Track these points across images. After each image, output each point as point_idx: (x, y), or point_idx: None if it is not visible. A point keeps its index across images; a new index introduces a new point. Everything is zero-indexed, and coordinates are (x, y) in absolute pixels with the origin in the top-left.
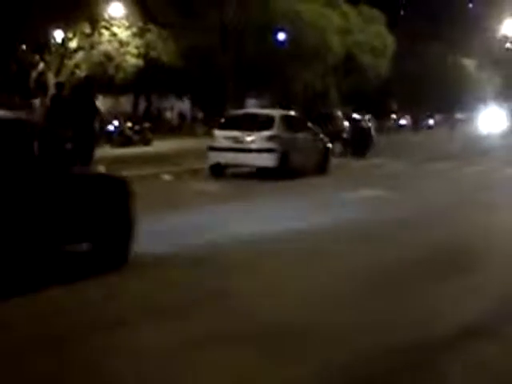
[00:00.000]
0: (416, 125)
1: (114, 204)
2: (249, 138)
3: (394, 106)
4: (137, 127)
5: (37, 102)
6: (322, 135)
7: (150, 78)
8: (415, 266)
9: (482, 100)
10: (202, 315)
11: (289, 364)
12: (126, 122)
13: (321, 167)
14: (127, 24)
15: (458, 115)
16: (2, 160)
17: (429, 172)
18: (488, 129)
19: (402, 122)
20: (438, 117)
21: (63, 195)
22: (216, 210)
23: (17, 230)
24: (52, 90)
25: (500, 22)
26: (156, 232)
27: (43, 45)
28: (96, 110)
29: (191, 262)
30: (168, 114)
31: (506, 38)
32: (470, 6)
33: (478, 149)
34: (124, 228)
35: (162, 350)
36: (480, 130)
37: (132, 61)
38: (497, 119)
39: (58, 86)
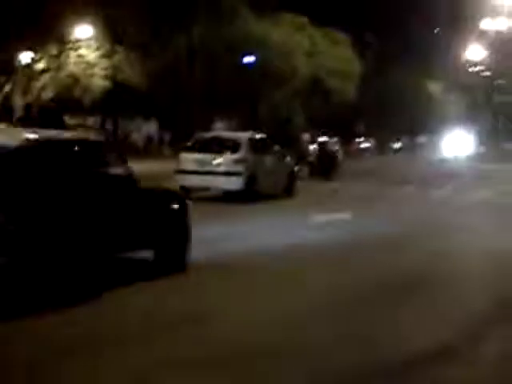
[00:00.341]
0: (382, 148)
1: (175, 217)
2: (215, 161)
3: (362, 129)
4: None
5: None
6: (288, 158)
7: (117, 100)
8: (370, 289)
9: (448, 123)
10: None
11: None
12: None
13: (287, 189)
14: (95, 46)
15: (423, 138)
16: (93, 178)
17: (393, 195)
18: (453, 152)
19: (366, 145)
20: (404, 140)
21: (135, 207)
22: None
23: (98, 237)
24: (19, 112)
25: (465, 46)
26: None
27: (10, 66)
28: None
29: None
30: (135, 136)
31: (469, 63)
32: (436, 30)
33: (441, 173)
34: (183, 238)
35: None
36: (445, 153)
37: (99, 82)
38: (463, 143)
39: (27, 107)
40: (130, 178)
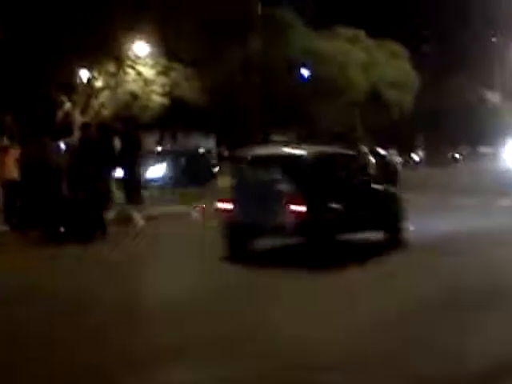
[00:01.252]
0: (441, 159)
1: (396, 206)
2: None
3: (420, 141)
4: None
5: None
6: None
7: (176, 116)
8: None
9: (508, 133)
10: None
11: None
12: None
13: None
14: (152, 63)
15: (484, 149)
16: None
17: (457, 206)
18: None
19: (423, 156)
20: (465, 150)
21: (374, 200)
22: None
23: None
24: (78, 129)
25: None
26: None
27: (69, 84)
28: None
29: None
30: None
31: None
32: (494, 39)
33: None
34: (400, 223)
35: None
36: (507, 163)
37: (157, 99)
38: None
39: (84, 126)
40: (367, 181)
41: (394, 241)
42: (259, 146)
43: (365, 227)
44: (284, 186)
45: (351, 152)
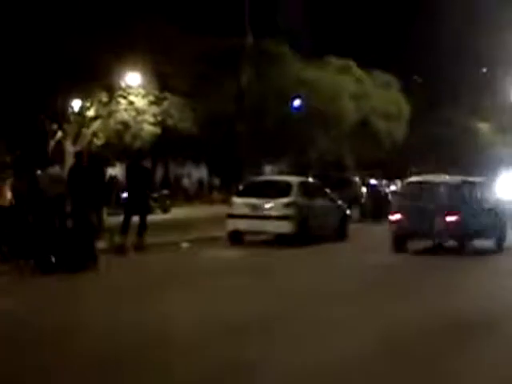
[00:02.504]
0: None
1: (503, 221)
2: (267, 205)
3: (411, 170)
4: (155, 194)
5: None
6: (339, 201)
7: (167, 145)
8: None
9: (501, 164)
10: None
11: None
12: None
13: (340, 233)
14: (144, 92)
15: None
16: None
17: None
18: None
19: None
20: None
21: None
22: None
23: None
24: (70, 159)
25: None
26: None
27: (61, 114)
28: (149, 177)
29: None
30: (185, 182)
31: None
32: (484, 70)
33: None
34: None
35: None
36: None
37: (149, 129)
38: None
39: (77, 155)
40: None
41: (500, 246)
42: (418, 175)
43: (485, 235)
44: (440, 203)
45: (481, 179)
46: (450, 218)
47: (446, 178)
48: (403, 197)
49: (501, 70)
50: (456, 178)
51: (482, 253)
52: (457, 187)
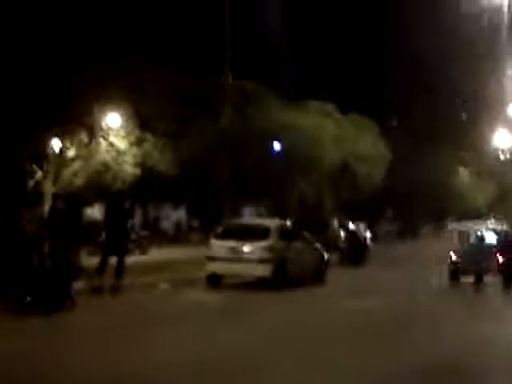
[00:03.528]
0: (411, 232)
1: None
2: (245, 248)
3: (390, 214)
4: (133, 236)
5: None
6: (318, 244)
7: (147, 186)
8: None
9: (476, 211)
10: None
11: None
12: None
13: (318, 276)
14: (124, 134)
15: (450, 225)
16: None
17: (422, 282)
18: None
19: (393, 230)
20: (432, 226)
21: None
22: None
23: None
24: (49, 200)
25: (492, 132)
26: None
27: (41, 154)
28: (129, 218)
29: None
30: (164, 223)
31: (498, 149)
32: (463, 116)
33: None
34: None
35: None
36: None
37: (129, 170)
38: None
39: (55, 197)
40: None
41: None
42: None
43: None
44: (491, 245)
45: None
46: (499, 257)
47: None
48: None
49: (479, 116)
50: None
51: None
52: (505, 234)
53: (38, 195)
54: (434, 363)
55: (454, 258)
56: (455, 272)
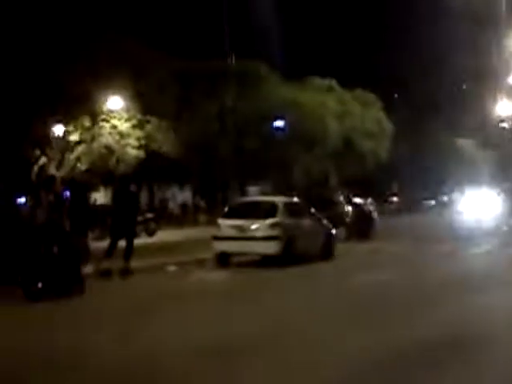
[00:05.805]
0: (416, 206)
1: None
2: (253, 226)
3: (395, 188)
4: (140, 218)
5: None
6: (324, 220)
7: (152, 168)
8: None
9: (477, 181)
10: None
11: None
12: None
13: (326, 252)
14: (127, 116)
15: (453, 196)
16: None
17: (430, 254)
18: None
19: (398, 203)
20: (438, 198)
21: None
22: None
23: None
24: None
25: (494, 102)
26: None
27: (44, 139)
28: (136, 202)
29: None
30: (170, 204)
31: (500, 118)
32: (464, 86)
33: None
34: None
35: None
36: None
37: (133, 152)
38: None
39: (49, 179)
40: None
41: None
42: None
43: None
44: None
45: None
46: None
47: None
48: None
49: (481, 86)
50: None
51: None
52: None
53: (51, 179)
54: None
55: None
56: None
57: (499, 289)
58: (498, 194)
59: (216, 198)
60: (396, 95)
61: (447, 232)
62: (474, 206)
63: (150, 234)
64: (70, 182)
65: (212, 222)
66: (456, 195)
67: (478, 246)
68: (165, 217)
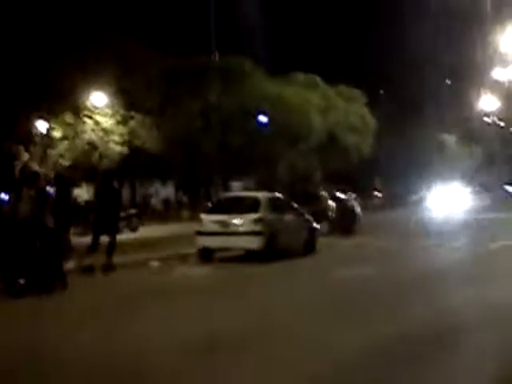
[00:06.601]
0: (400, 201)
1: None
2: (235, 222)
3: (378, 184)
4: (123, 214)
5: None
6: (307, 215)
7: (134, 164)
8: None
9: (458, 176)
10: None
11: None
12: None
13: (309, 247)
14: (110, 112)
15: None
16: None
17: (413, 249)
18: (447, 209)
19: (381, 199)
20: (421, 193)
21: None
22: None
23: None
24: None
25: (478, 96)
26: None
27: (27, 135)
28: (118, 197)
29: None
30: (153, 200)
31: (484, 113)
32: (448, 81)
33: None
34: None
35: None
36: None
37: (116, 148)
38: (458, 197)
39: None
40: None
41: None
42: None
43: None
44: None
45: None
46: None
47: None
48: None
49: (464, 80)
50: None
51: None
52: None
53: (35, 175)
54: (432, 330)
55: None
56: None
57: (473, 285)
58: (474, 189)
59: (199, 193)
60: (382, 91)
61: (420, 228)
62: (444, 202)
63: (133, 229)
64: (56, 177)
65: (195, 218)
66: (425, 192)
67: (449, 242)
68: (147, 213)
